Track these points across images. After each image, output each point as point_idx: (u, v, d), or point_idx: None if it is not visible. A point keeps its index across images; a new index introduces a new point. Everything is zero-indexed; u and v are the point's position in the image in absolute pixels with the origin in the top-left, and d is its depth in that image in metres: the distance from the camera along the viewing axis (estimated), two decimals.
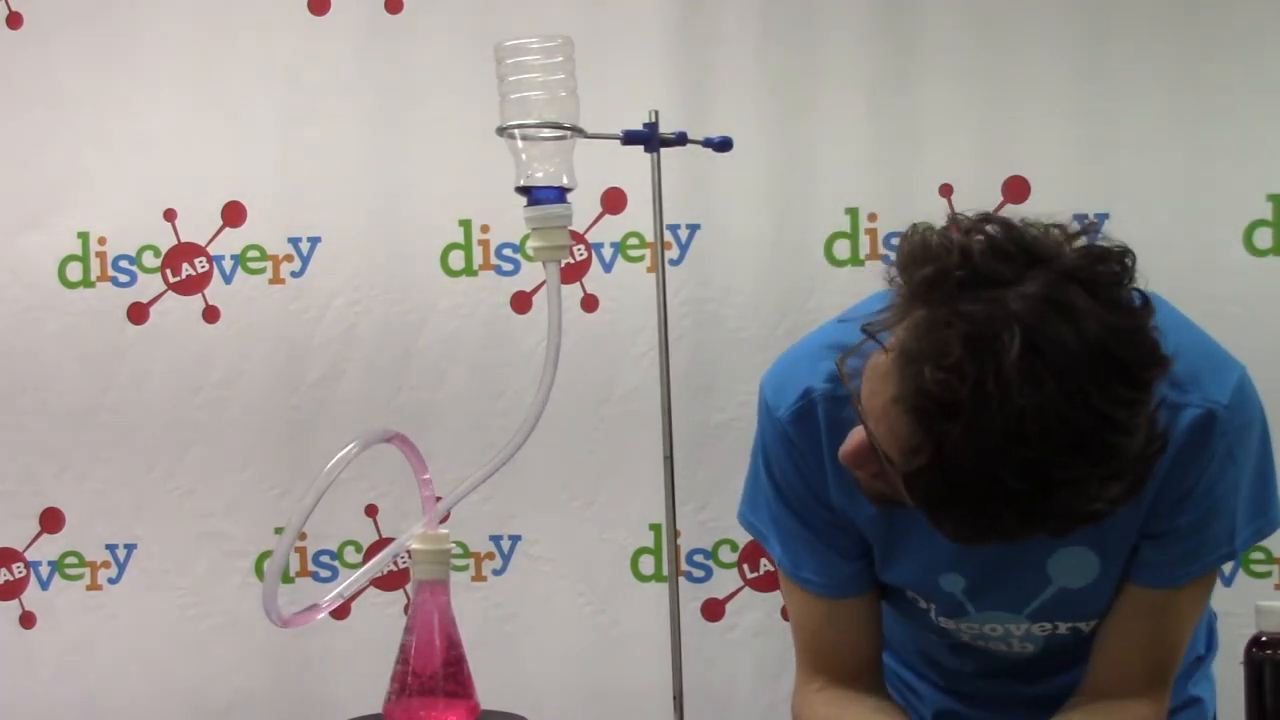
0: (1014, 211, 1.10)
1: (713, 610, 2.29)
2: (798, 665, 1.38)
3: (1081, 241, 1.07)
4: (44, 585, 2.43)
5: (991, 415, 0.99)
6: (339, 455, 1.16)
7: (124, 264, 2.41)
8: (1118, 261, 1.06)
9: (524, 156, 1.21)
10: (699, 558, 2.29)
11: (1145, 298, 1.06)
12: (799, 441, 1.28)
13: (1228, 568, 2.14)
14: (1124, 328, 1.03)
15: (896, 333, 1.06)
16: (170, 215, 2.40)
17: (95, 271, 2.41)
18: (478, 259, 2.35)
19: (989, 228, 1.06)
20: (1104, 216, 2.16)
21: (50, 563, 2.42)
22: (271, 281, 2.38)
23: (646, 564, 2.29)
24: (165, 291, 2.40)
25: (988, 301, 1.01)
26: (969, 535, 1.08)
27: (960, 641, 1.38)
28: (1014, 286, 1.02)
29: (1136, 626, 1.29)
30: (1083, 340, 1.01)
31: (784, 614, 1.45)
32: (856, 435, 1.12)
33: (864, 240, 2.25)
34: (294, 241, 2.38)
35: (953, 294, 1.03)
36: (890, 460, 1.07)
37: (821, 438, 1.27)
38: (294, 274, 2.38)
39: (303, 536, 2.32)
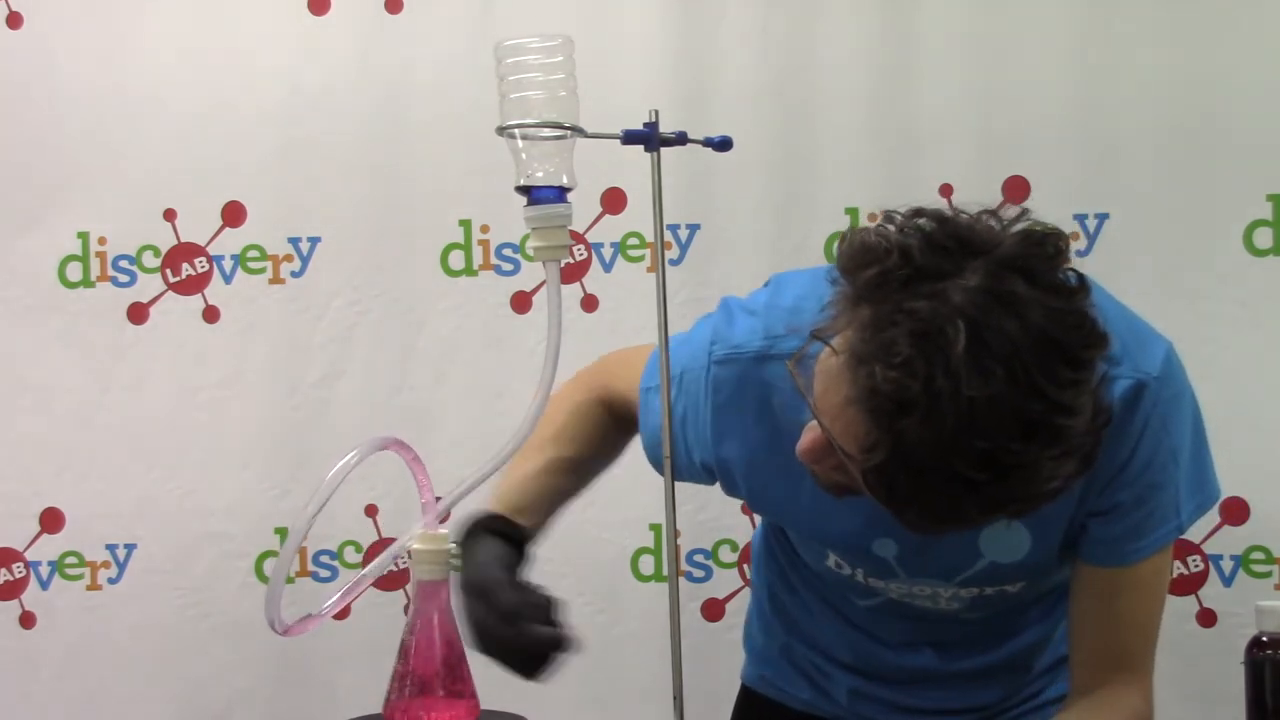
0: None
1: (713, 610, 2.29)
2: (593, 373, 1.49)
3: (1017, 226, 1.08)
4: (44, 585, 2.42)
5: (944, 408, 1.01)
6: (339, 465, 1.16)
7: (124, 264, 2.41)
8: (1053, 244, 1.08)
9: (524, 156, 1.21)
10: (699, 558, 2.29)
11: (1080, 277, 1.09)
12: (719, 387, 1.33)
13: (1228, 568, 2.15)
14: (1064, 310, 1.06)
15: (845, 335, 1.08)
16: (170, 215, 2.40)
17: (95, 271, 2.41)
18: (478, 259, 2.35)
19: (922, 222, 1.07)
20: (1104, 216, 2.16)
21: (50, 563, 2.42)
22: (271, 281, 2.38)
23: (646, 564, 2.29)
24: (165, 291, 2.40)
25: (930, 297, 1.04)
26: (931, 525, 1.10)
27: (886, 599, 1.40)
28: (954, 279, 1.04)
29: (1099, 610, 1.31)
30: (1025, 328, 1.03)
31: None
32: (812, 432, 1.14)
33: None
34: (294, 241, 2.38)
35: (896, 292, 1.05)
36: (849, 455, 1.08)
37: (748, 399, 1.31)
38: (294, 274, 2.38)
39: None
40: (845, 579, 1.41)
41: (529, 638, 1.24)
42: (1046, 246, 1.08)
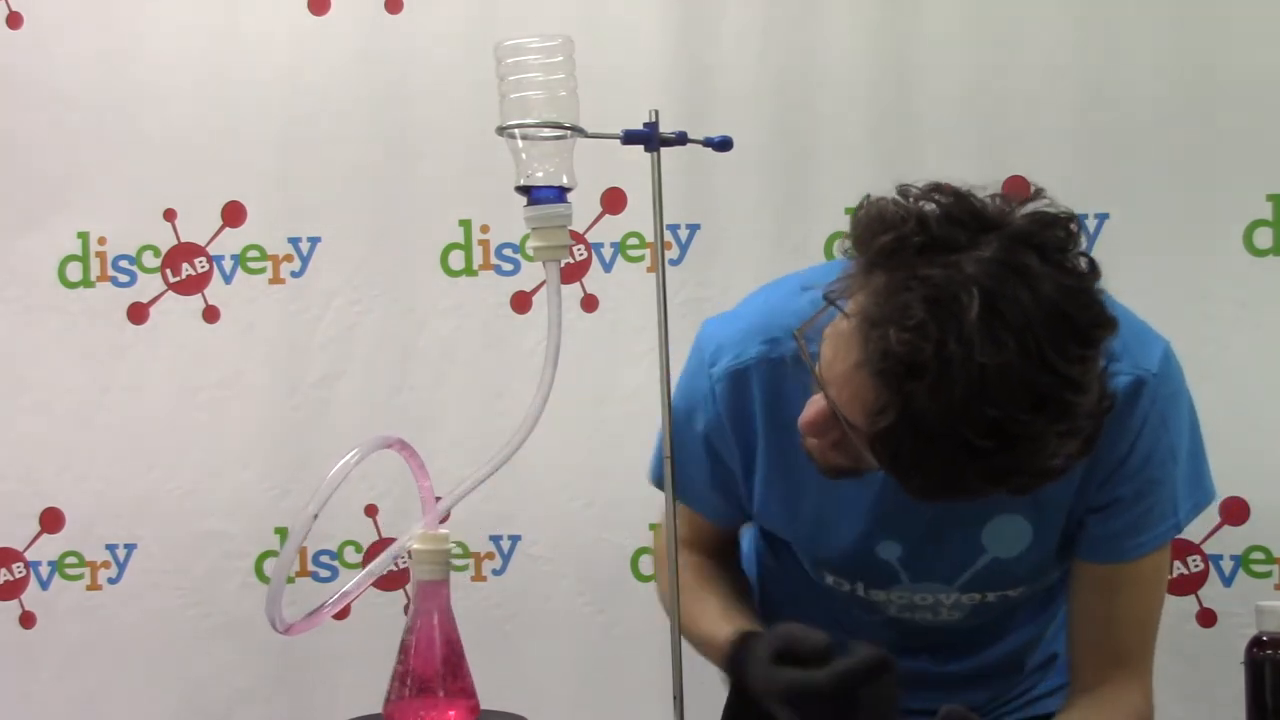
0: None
1: None
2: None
3: (1029, 208, 1.09)
4: (44, 585, 2.43)
5: (955, 374, 1.02)
6: (339, 464, 1.16)
7: (124, 264, 2.41)
8: (1063, 227, 1.10)
9: (524, 156, 1.21)
10: None
11: (1092, 261, 1.10)
12: (729, 401, 1.32)
13: (1228, 568, 2.15)
14: (1075, 289, 1.07)
15: (857, 299, 1.08)
16: (170, 215, 2.40)
17: (95, 271, 2.41)
18: (478, 259, 2.35)
19: (939, 196, 1.08)
20: (1104, 217, 2.16)
21: (50, 563, 2.42)
22: (271, 281, 2.38)
23: (646, 564, 2.29)
24: (165, 291, 2.40)
25: (945, 266, 1.05)
26: (935, 492, 1.10)
27: (886, 616, 1.40)
28: (969, 251, 1.06)
29: (1099, 608, 1.32)
30: (1038, 301, 1.04)
31: None
32: (816, 404, 1.15)
33: None
34: (294, 241, 2.38)
35: (911, 259, 1.05)
36: (852, 425, 1.08)
37: (755, 406, 1.29)
38: (294, 274, 2.38)
39: None
40: (845, 595, 1.40)
41: (846, 669, 1.16)
42: (1057, 228, 1.09)
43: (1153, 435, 1.24)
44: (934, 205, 1.08)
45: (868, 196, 1.12)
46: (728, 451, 1.36)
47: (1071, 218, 1.10)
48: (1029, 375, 1.03)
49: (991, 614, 1.39)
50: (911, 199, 1.10)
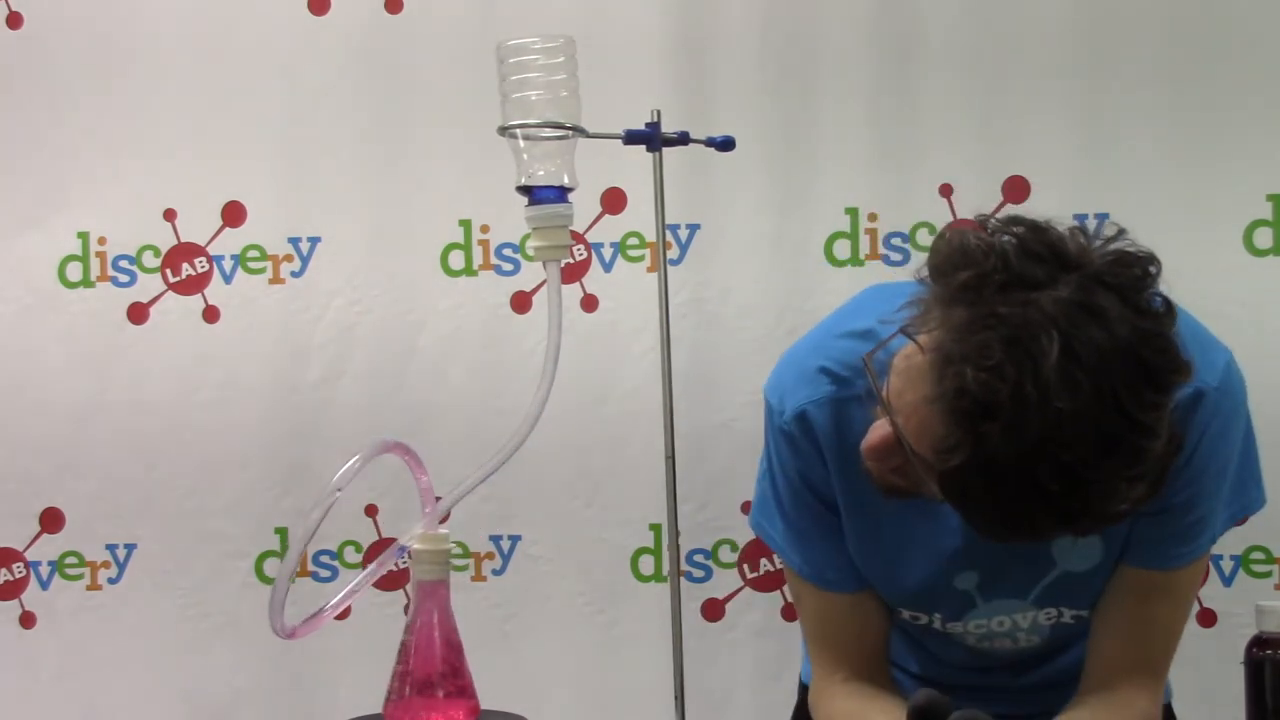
0: (1013, 211, 1.11)
1: (713, 610, 2.29)
2: (816, 660, 1.40)
3: (1110, 246, 1.08)
4: (44, 585, 2.43)
5: (1030, 417, 1.01)
6: (342, 470, 1.17)
7: (124, 264, 2.41)
8: (1142, 267, 1.09)
9: (525, 156, 1.21)
10: (699, 558, 2.29)
11: (1168, 303, 1.09)
12: (804, 446, 1.30)
13: (1228, 568, 2.15)
14: (1151, 332, 1.06)
15: (934, 334, 1.07)
16: (170, 215, 2.40)
17: (95, 271, 2.41)
18: (478, 259, 2.35)
19: (1018, 229, 1.07)
20: (1104, 216, 2.16)
21: (50, 563, 2.42)
22: (271, 281, 2.38)
23: (646, 564, 2.29)
24: (165, 291, 2.40)
25: (1023, 304, 1.04)
26: (1002, 532, 1.10)
27: (964, 646, 1.39)
28: (1047, 289, 1.05)
29: (1130, 612, 1.31)
30: (1115, 344, 1.03)
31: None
32: (880, 429, 1.14)
33: (864, 240, 2.25)
34: (294, 241, 2.38)
35: (992, 297, 1.05)
36: (919, 456, 1.08)
37: (821, 444, 1.28)
38: (294, 274, 2.38)
39: None
40: (921, 628, 1.40)
41: None
42: (1135, 268, 1.08)
43: (1210, 448, 1.24)
44: (1011, 238, 1.07)
45: (948, 227, 1.12)
46: (827, 487, 1.33)
47: (1152, 259, 1.09)
48: (1102, 419, 1.02)
49: (1071, 632, 1.38)
50: (990, 232, 1.09)
